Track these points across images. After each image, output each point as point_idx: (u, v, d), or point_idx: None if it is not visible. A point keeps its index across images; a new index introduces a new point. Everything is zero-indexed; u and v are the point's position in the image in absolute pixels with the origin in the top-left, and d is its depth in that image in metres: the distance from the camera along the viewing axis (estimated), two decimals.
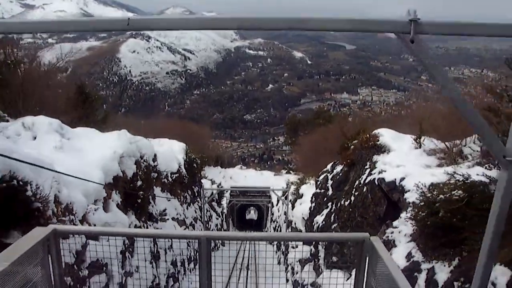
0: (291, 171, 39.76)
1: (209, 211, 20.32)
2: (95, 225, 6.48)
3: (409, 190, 5.73)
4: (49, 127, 8.00)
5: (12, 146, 5.02)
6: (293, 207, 16.36)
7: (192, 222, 15.34)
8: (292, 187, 20.05)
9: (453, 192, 4.26)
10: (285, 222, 17.57)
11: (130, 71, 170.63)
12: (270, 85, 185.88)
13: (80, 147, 7.88)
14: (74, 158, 7.20)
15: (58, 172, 5.44)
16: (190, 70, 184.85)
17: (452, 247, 4.13)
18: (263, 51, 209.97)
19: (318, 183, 12.58)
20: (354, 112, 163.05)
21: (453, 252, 4.09)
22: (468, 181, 4.14)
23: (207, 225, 18.86)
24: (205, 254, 3.44)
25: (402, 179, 6.19)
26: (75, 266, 5.24)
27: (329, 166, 12.20)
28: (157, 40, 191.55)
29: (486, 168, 4.31)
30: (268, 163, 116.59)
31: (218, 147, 68.42)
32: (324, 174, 12.22)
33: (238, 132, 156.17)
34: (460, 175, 4.28)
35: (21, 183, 4.43)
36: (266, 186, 28.02)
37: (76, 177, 5.95)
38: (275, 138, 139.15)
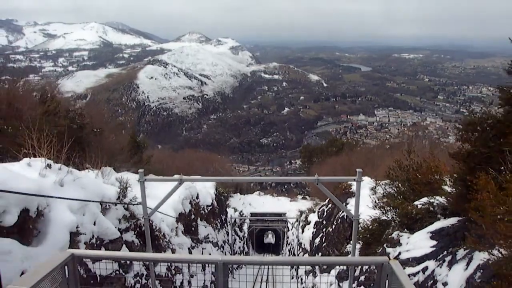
0: (306, 197, 42.10)
1: (234, 235, 24.50)
2: (173, 245, 10.87)
3: (361, 222, 9.87)
4: (135, 181, 12.43)
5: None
6: (302, 231, 20.55)
7: (222, 244, 19.59)
8: (303, 215, 24.17)
9: (373, 224, 8.52)
10: (298, 245, 21.70)
11: (148, 97, 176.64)
12: (286, 109, 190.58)
13: (156, 194, 12.28)
14: (155, 202, 11.59)
15: (161, 213, 9.90)
16: (207, 95, 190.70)
17: (371, 253, 8.32)
18: (278, 74, 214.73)
19: (319, 213, 16.88)
20: (370, 134, 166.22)
21: (371, 255, 8.29)
22: (379, 219, 8.37)
23: (232, 247, 23.07)
24: (222, 277, 3.65)
25: (360, 214, 10.35)
26: (170, 267, 9.61)
27: (326, 201, 16.49)
28: (174, 66, 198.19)
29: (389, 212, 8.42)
30: (285, 186, 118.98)
31: (236, 174, 72.21)
32: (322, 207, 16.52)
33: (255, 156, 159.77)
34: (376, 215, 8.54)
35: (152, 221, 8.87)
36: (282, 212, 31.76)
37: (167, 215, 10.43)
38: (292, 161, 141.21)
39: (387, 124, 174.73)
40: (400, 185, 8.16)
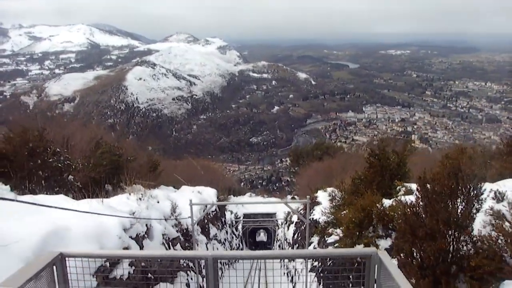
0: (295, 196, 47.02)
1: (231, 234, 30.17)
2: (198, 241, 16.42)
3: (319, 223, 15.49)
4: (164, 195, 17.96)
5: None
6: (288, 229, 26.26)
7: (223, 241, 25.19)
8: (289, 215, 29.80)
9: (323, 223, 14.22)
10: (284, 240, 27.38)
11: (137, 98, 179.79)
12: (276, 107, 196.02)
13: (182, 205, 17.85)
14: (184, 211, 17.13)
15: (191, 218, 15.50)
16: (196, 95, 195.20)
17: (322, 242, 13.98)
18: (267, 73, 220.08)
19: (300, 213, 22.67)
20: (360, 130, 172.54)
21: (322, 243, 13.99)
22: (327, 221, 14.05)
23: (230, 244, 28.69)
24: (212, 273, 3.87)
25: (319, 218, 15.94)
26: None
27: (303, 205, 22.18)
28: (162, 67, 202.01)
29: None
30: (277, 185, 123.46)
31: (230, 178, 77.24)
32: (300, 210, 22.22)
33: (245, 155, 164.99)
34: (323, 219, 14.25)
35: (187, 226, 14.49)
36: (272, 212, 36.89)
37: (196, 220, 16.03)
38: (283, 159, 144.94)
39: (375, 121, 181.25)
40: (339, 200, 13.88)
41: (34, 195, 9.00)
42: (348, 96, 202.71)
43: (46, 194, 10.22)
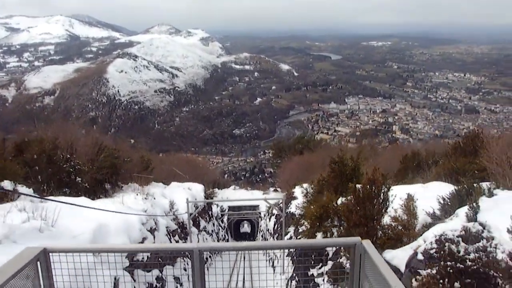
0: (277, 189, 49.20)
1: (218, 226, 32.92)
2: (191, 232, 19.13)
3: (295, 215, 18.32)
4: (160, 193, 20.60)
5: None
6: (269, 221, 29.15)
7: (211, 232, 27.96)
8: (270, 208, 32.65)
9: (298, 216, 17.09)
10: (266, 231, 30.26)
11: (118, 91, 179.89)
12: (258, 99, 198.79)
13: (177, 202, 20.49)
14: (179, 206, 19.77)
15: (189, 214, 18.22)
16: (178, 87, 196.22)
17: (297, 231, 16.83)
18: (249, 65, 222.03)
19: (277, 208, 25.59)
20: (342, 121, 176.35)
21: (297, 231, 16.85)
22: (301, 214, 16.90)
23: (217, 235, 31.46)
24: (198, 265, 3.93)
25: (295, 211, 18.77)
26: None
27: (281, 200, 25.09)
28: (144, 59, 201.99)
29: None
30: (260, 176, 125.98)
31: (214, 170, 79.55)
32: (280, 204, 25.11)
33: (228, 147, 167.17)
34: (298, 212, 17.11)
35: (183, 220, 17.21)
36: (256, 204, 39.58)
37: (191, 213, 18.76)
38: (266, 151, 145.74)
39: (357, 112, 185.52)
40: (310, 196, 16.75)
41: (55, 196, 11.45)
42: (330, 87, 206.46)
43: (64, 195, 12.54)
